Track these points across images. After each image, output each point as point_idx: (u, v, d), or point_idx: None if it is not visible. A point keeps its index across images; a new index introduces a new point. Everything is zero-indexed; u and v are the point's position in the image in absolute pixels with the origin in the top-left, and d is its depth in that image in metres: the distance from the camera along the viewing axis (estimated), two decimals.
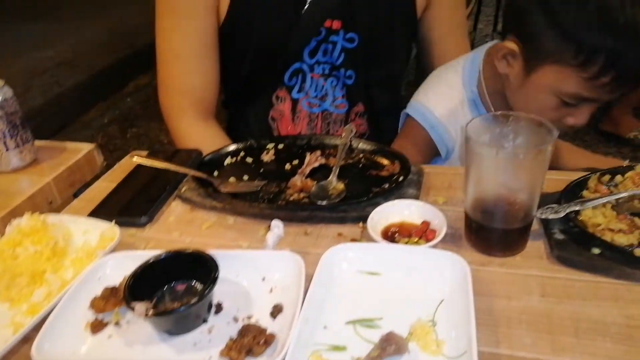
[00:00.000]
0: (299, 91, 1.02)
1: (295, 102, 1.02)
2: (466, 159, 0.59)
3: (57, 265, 0.64)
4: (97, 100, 3.38)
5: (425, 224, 0.65)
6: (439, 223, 0.64)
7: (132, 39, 4.11)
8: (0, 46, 4.36)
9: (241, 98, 1.08)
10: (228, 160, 0.86)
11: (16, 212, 0.78)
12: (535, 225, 0.64)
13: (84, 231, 0.70)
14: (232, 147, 0.87)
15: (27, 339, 0.54)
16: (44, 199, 0.86)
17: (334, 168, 0.76)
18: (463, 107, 0.94)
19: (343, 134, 0.84)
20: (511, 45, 0.84)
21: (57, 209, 0.83)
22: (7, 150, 0.89)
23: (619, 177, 0.68)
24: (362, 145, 0.84)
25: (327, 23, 0.95)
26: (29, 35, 4.64)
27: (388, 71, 1.05)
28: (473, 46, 1.12)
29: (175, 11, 0.95)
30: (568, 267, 0.58)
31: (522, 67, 0.83)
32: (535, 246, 0.62)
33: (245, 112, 1.08)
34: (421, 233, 0.64)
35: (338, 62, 0.99)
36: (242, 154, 0.87)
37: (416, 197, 0.72)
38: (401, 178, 0.73)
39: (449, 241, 0.64)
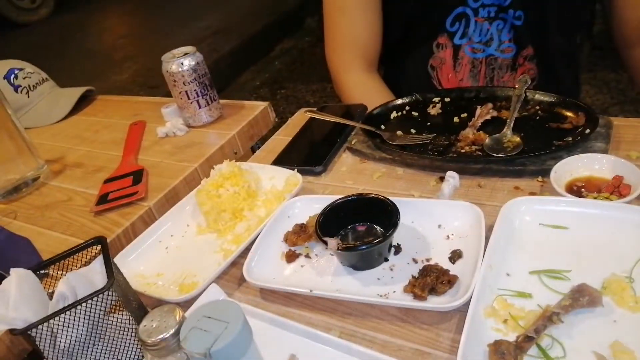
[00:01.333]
0: (462, 37, 0.98)
1: (457, 49, 1.00)
2: None
3: (252, 204, 0.74)
4: (249, 64, 3.65)
5: (618, 178, 0.61)
6: (635, 179, 0.59)
7: (275, 6, 4.31)
8: (164, 19, 4.90)
9: (400, 49, 1.08)
10: (394, 114, 0.88)
11: (211, 161, 0.91)
12: None
13: (270, 177, 0.79)
14: (398, 102, 0.89)
15: (234, 263, 0.64)
16: (230, 149, 0.97)
17: (508, 120, 0.74)
18: None
19: (517, 85, 0.80)
20: None
21: (242, 159, 0.93)
22: (199, 107, 1.02)
23: None
24: (539, 96, 0.79)
25: None
26: (186, 9, 5.12)
27: (562, 10, 0.96)
28: None
29: None
30: None
31: None
32: None
33: (404, 64, 1.08)
34: (613, 188, 0.60)
35: (506, 2, 0.93)
36: (407, 108, 0.88)
37: (605, 152, 0.66)
38: (587, 130, 0.68)
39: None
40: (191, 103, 1.01)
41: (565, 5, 0.96)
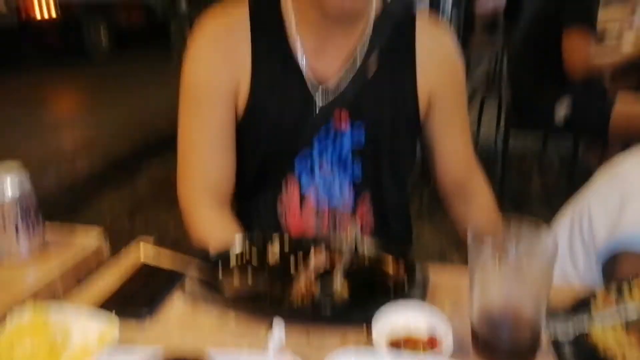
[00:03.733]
0: (308, 179, 1.04)
1: (304, 190, 1.04)
2: (469, 265, 0.59)
3: None
4: (110, 184, 3.47)
5: (431, 335, 0.64)
6: (445, 332, 0.63)
7: (148, 127, 4.30)
8: (20, 130, 4.57)
9: (252, 187, 1.10)
10: (234, 260, 0.86)
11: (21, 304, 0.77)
12: (544, 340, 0.62)
13: (83, 325, 0.69)
14: (238, 246, 0.88)
15: None
16: (49, 292, 0.84)
17: (338, 270, 0.77)
18: None
19: (347, 234, 0.85)
20: None
21: (62, 297, 0.82)
22: (17, 237, 0.90)
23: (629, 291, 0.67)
24: (368, 245, 0.84)
25: (336, 116, 0.99)
26: (48, 119, 4.87)
27: (394, 164, 1.07)
28: (475, 145, 1.14)
29: (196, 103, 1.00)
30: None
31: None
32: None
33: (255, 201, 1.10)
34: (427, 343, 0.63)
35: (345, 153, 1.02)
36: (248, 253, 0.87)
37: (422, 298, 0.71)
38: (406, 280, 0.72)
39: (457, 351, 0.62)
40: (7, 227, 0.88)
41: (396, 159, 1.09)
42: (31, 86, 7.16)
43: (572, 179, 2.69)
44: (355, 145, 1.02)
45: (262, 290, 0.75)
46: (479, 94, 3.54)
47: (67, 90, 6.72)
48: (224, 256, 0.84)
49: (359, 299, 0.71)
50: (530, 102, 2.50)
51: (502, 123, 2.87)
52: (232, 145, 1.03)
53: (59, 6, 8.64)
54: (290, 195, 1.05)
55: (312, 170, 1.03)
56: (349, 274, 0.77)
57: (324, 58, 1.00)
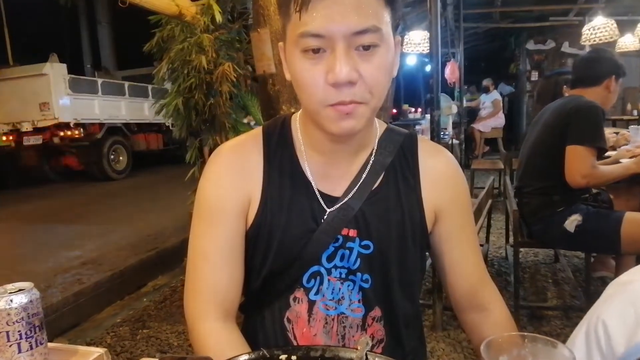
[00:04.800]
0: (316, 293, 1.03)
1: (312, 304, 1.03)
2: None
3: None
4: (114, 298, 3.41)
5: None
6: None
7: (155, 242, 4.35)
8: (32, 245, 4.64)
9: (259, 300, 1.09)
10: None
11: None
12: None
13: None
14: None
15: None
16: None
17: None
18: None
19: (358, 347, 0.82)
20: None
21: None
22: (19, 352, 0.88)
23: None
24: (379, 358, 0.81)
25: (344, 231, 1.02)
26: (59, 236, 4.97)
27: (403, 277, 1.07)
28: (486, 258, 1.14)
29: (208, 217, 1.03)
30: None
31: None
32: None
33: (262, 314, 1.08)
34: None
35: (354, 267, 1.03)
36: None
37: None
38: None
39: None
40: (10, 346, 0.87)
41: (406, 271, 1.09)
42: (47, 200, 7.42)
43: (587, 290, 2.62)
44: (362, 259, 1.03)
45: None
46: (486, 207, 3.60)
47: (81, 205, 6.91)
48: None
49: None
50: (536, 217, 2.52)
51: (511, 238, 2.86)
52: (241, 258, 1.05)
53: (82, 128, 9.27)
54: (300, 304, 1.04)
55: (321, 281, 1.04)
56: None
57: (332, 177, 1.05)
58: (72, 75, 9.06)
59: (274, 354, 0.86)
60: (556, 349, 0.57)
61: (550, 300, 2.91)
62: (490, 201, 2.84)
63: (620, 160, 2.55)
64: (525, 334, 0.61)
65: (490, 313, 1.13)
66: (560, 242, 2.53)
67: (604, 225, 2.34)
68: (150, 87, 10.62)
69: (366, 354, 0.81)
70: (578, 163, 2.29)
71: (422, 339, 1.19)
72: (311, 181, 1.04)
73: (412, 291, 1.14)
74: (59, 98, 8.66)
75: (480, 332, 1.12)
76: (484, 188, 2.76)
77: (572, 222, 2.35)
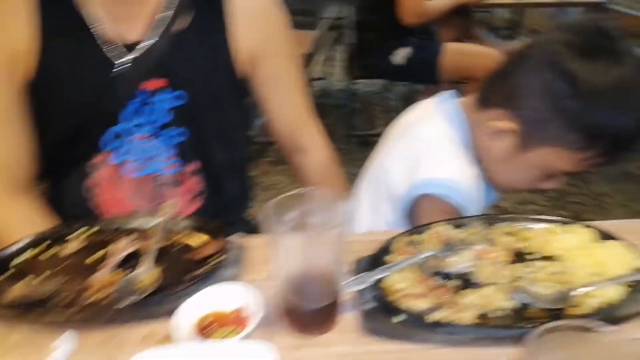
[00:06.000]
0: (119, 156, 0.95)
1: (116, 167, 0.96)
2: (270, 238, 0.58)
3: None
4: None
5: (237, 311, 0.62)
6: (255, 306, 0.61)
7: None
8: None
9: (57, 168, 0.98)
10: (25, 255, 0.74)
11: None
12: (351, 295, 0.64)
13: None
14: (28, 240, 0.76)
15: None
16: None
17: (146, 254, 0.70)
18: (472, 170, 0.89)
19: (161, 211, 0.78)
20: (511, 125, 0.82)
21: None
22: None
23: (422, 237, 0.72)
24: (182, 222, 0.79)
25: (149, 84, 0.92)
26: None
27: (222, 127, 1.02)
28: (326, 92, 1.12)
29: None
30: (377, 338, 0.59)
31: (515, 144, 0.82)
32: (351, 318, 0.62)
33: (62, 183, 0.98)
34: (236, 322, 0.61)
35: (166, 121, 0.95)
36: (42, 244, 0.76)
37: (235, 277, 0.68)
38: (219, 258, 0.69)
39: (266, 324, 0.61)
40: None
41: (224, 121, 1.03)
42: None
43: None
44: (175, 112, 0.95)
45: (51, 293, 0.66)
46: (329, 40, 3.58)
47: None
48: (5, 256, 0.73)
49: (166, 288, 0.65)
50: (371, 51, 2.60)
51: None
52: (20, 120, 0.90)
53: None
54: (102, 170, 0.95)
55: (125, 143, 0.94)
56: (162, 257, 0.71)
57: (124, 17, 0.91)
58: None
59: (65, 230, 0.79)
60: (335, 202, 0.59)
61: (380, 128, 3.18)
62: (334, 34, 2.83)
63: None
64: (315, 189, 0.62)
65: (310, 154, 1.16)
66: (392, 74, 2.71)
67: (429, 56, 2.51)
68: None
69: (171, 216, 0.78)
70: (411, 2, 2.33)
71: (247, 186, 1.20)
72: (96, 24, 0.88)
73: (233, 142, 1.10)
74: None
75: (302, 173, 1.17)
76: (328, 19, 2.72)
77: (402, 54, 2.47)
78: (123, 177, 0.96)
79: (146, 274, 0.67)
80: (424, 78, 2.79)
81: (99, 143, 0.93)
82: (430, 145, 0.90)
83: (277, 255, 0.58)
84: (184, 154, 0.99)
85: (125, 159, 0.95)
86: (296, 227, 0.58)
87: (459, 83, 2.78)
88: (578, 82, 0.75)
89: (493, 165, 0.88)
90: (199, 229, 0.78)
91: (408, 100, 3.31)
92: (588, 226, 0.71)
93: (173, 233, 0.77)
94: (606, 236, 0.69)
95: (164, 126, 0.95)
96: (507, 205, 2.46)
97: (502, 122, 0.82)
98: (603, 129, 0.77)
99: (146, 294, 0.64)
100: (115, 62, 0.89)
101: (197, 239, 0.76)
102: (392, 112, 3.38)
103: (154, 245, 0.72)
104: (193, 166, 1.01)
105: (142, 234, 0.77)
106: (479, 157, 0.90)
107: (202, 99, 0.97)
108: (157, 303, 0.64)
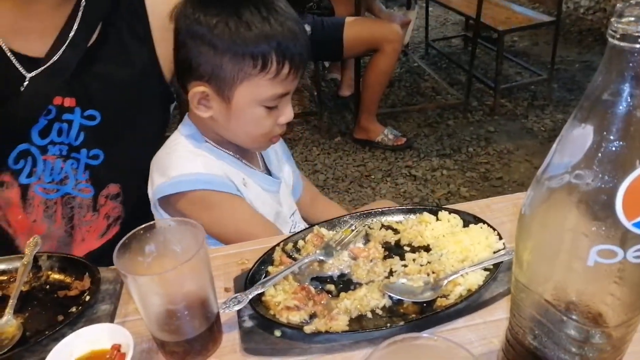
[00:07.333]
0: (29, 176, 0.89)
1: (25, 188, 0.89)
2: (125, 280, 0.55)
3: None
4: None
5: (116, 347, 0.59)
6: (126, 346, 0.59)
7: None
8: None
9: None
10: None
11: None
12: (230, 314, 0.63)
13: None
14: None
15: None
16: None
17: (10, 300, 0.65)
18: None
19: (26, 251, 0.72)
20: (200, 88, 0.82)
21: None
22: None
23: (300, 243, 0.72)
24: (49, 260, 0.73)
25: (57, 100, 0.87)
26: None
27: (140, 150, 0.95)
28: None
29: None
30: (258, 357, 0.59)
31: (219, 101, 0.83)
32: (231, 339, 0.62)
33: None
34: (117, 358, 0.58)
35: (77, 143, 0.90)
36: None
37: (112, 313, 0.65)
38: (88, 296, 0.65)
39: (147, 357, 0.59)
40: None
41: (142, 141, 0.98)
42: None
43: (320, 94, 2.91)
44: (86, 133, 0.90)
45: None
46: None
47: None
48: None
49: (35, 335, 0.61)
50: None
51: None
52: None
53: None
54: (11, 189, 0.89)
55: (34, 162, 0.89)
56: (26, 301, 0.66)
57: (28, 33, 0.86)
58: None
59: None
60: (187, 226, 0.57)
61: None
62: None
63: None
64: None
65: None
66: None
67: (329, 32, 2.49)
68: None
69: (35, 255, 0.72)
70: None
71: None
72: (3, 37, 0.84)
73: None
74: None
75: None
76: None
77: None
78: (34, 198, 0.90)
79: (9, 322, 0.63)
80: (328, 55, 2.79)
81: (7, 160, 0.87)
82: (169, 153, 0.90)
83: (135, 295, 0.56)
84: (98, 177, 0.94)
85: (34, 179, 0.89)
86: (154, 260, 0.55)
87: (362, 56, 2.82)
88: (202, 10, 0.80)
89: (227, 130, 0.88)
90: (70, 265, 0.73)
91: (315, 79, 3.30)
92: (454, 211, 0.74)
93: (43, 272, 0.72)
94: (476, 219, 0.73)
95: (76, 148, 0.90)
96: (418, 174, 2.57)
97: (193, 89, 0.83)
98: (262, 50, 0.79)
99: (9, 349, 0.59)
100: (27, 76, 0.85)
101: (69, 276, 0.71)
102: (303, 90, 3.38)
103: (16, 289, 0.66)
104: (110, 190, 0.96)
105: (9, 276, 0.71)
106: (216, 135, 0.90)
107: (117, 118, 0.92)
108: (22, 354, 0.60)
